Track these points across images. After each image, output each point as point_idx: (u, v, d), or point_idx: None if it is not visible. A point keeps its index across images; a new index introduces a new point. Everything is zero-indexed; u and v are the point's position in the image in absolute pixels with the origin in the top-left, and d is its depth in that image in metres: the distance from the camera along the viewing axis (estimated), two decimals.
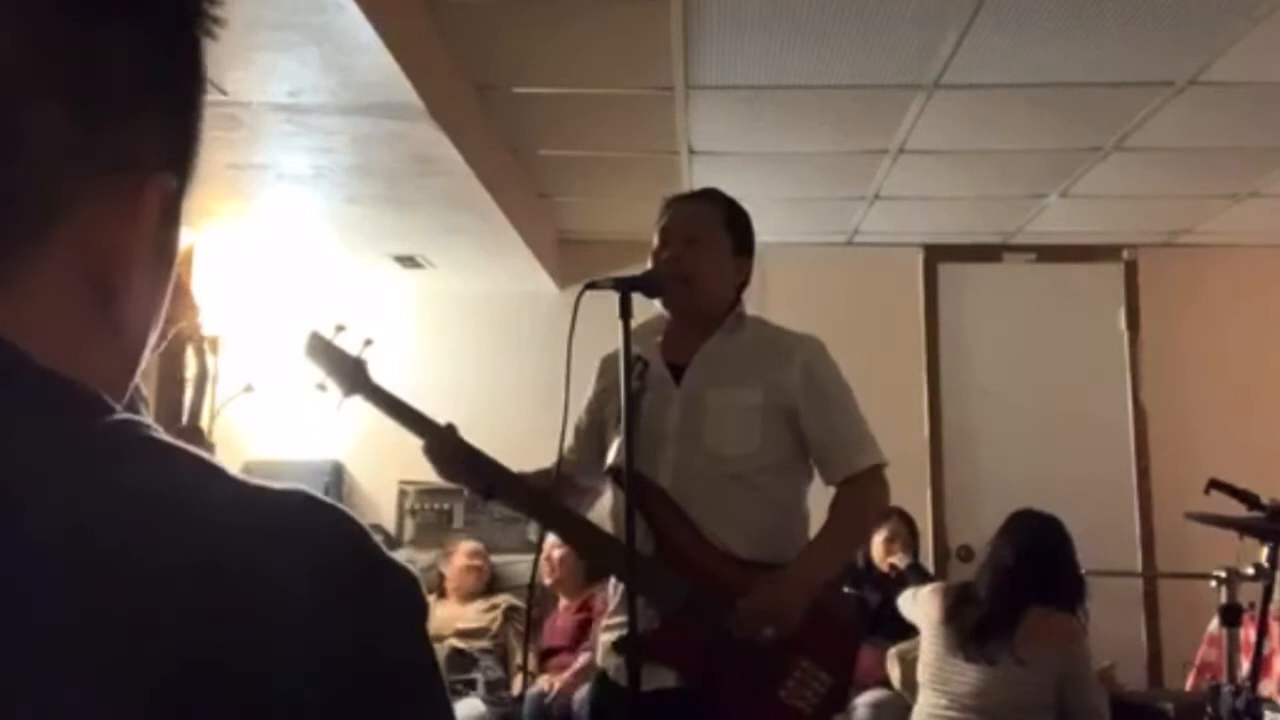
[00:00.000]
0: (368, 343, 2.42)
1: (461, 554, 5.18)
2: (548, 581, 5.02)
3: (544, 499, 2.39)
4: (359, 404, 2.41)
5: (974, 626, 3.25)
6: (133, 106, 0.55)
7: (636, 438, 2.27)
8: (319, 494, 0.54)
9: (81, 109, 0.53)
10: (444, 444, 2.34)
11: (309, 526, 0.52)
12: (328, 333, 2.42)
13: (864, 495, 2.39)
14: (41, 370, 0.51)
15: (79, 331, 0.54)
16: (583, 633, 4.79)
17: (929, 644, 3.38)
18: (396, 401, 2.39)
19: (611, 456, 2.39)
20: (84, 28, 0.53)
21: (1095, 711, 3.21)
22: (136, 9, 0.56)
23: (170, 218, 0.58)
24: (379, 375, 2.43)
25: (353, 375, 2.39)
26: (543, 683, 4.73)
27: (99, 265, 0.54)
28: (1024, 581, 3.26)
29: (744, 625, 2.20)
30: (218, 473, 0.53)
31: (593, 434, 2.49)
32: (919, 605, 3.53)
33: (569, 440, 2.50)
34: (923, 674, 3.40)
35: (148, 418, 0.55)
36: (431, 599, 5.12)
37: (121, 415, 0.53)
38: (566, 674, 4.67)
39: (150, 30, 0.56)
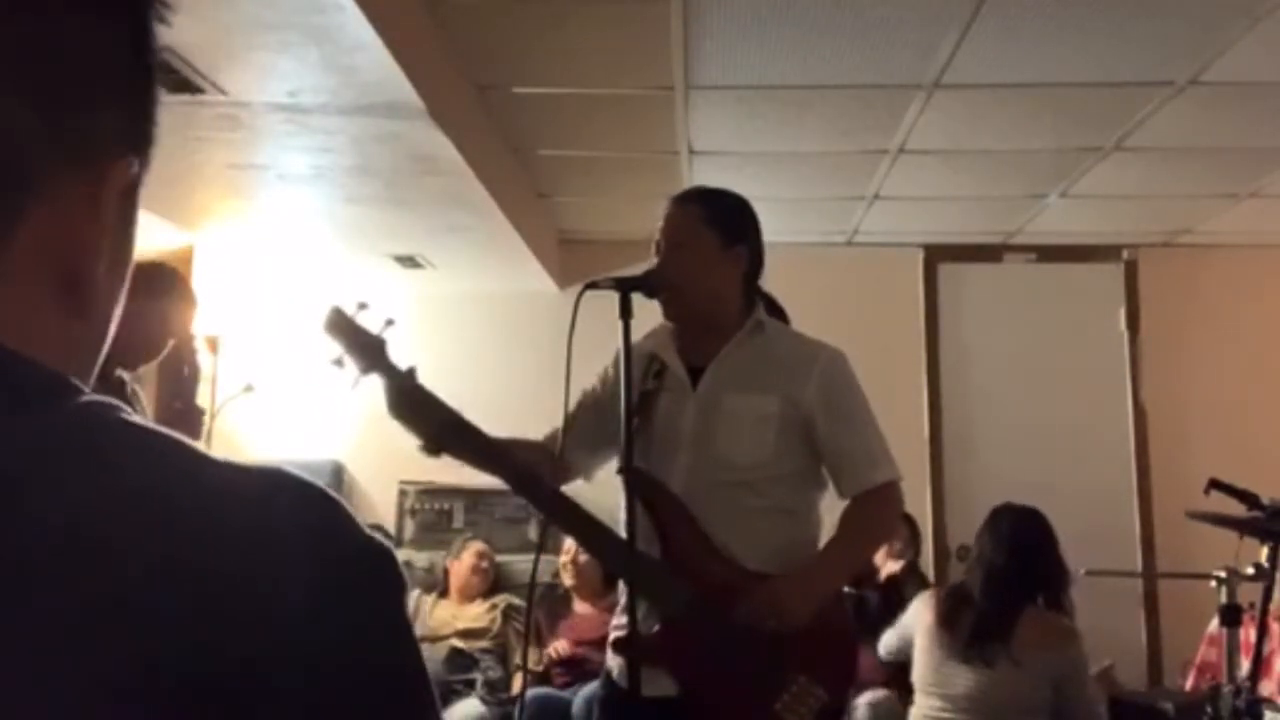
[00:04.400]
0: (389, 323, 2.35)
1: (470, 554, 5.18)
2: (569, 583, 5.02)
3: (516, 465, 2.31)
4: (371, 395, 2.34)
5: (971, 629, 3.25)
6: (95, 97, 0.56)
7: (651, 440, 2.27)
8: (297, 472, 0.54)
9: (46, 102, 0.53)
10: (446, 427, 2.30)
11: (295, 512, 0.53)
12: (349, 309, 2.36)
13: (876, 511, 2.38)
14: (7, 353, 0.51)
15: (47, 319, 0.55)
16: None
17: (925, 648, 3.37)
18: (414, 386, 2.32)
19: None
20: (44, 23, 0.54)
21: (1093, 714, 3.21)
22: (98, 4, 0.56)
23: (130, 201, 0.59)
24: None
25: (372, 354, 2.32)
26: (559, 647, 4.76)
27: (66, 252, 0.55)
28: (1016, 580, 3.26)
29: (747, 617, 2.18)
30: (196, 455, 0.53)
31: (602, 417, 2.38)
32: (913, 618, 3.50)
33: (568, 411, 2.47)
34: (918, 678, 3.39)
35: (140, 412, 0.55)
36: (432, 598, 5.12)
37: (91, 397, 0.53)
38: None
39: (108, 22, 0.57)
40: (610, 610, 4.85)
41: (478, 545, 5.23)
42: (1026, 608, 3.24)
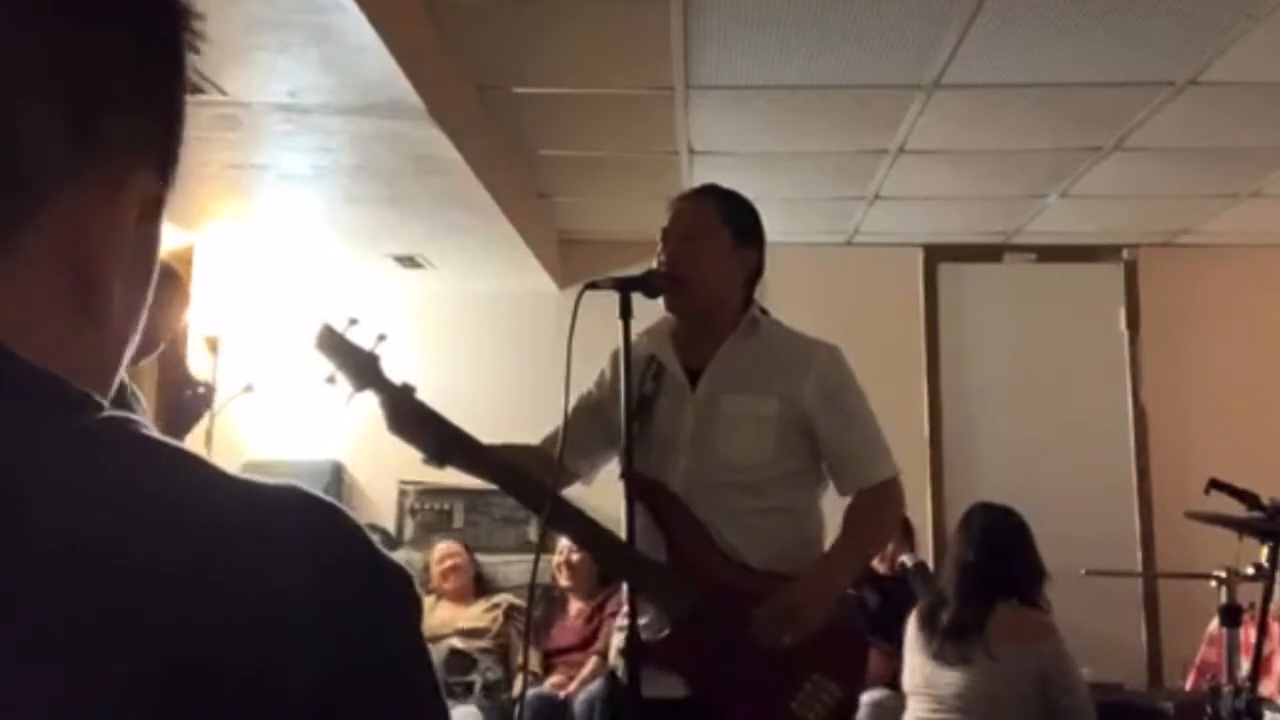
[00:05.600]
0: (381, 338, 2.32)
1: (436, 555, 5.15)
2: (564, 584, 5.00)
3: (516, 473, 2.32)
4: (369, 400, 2.31)
5: (946, 628, 3.25)
6: (121, 106, 0.56)
7: (651, 443, 2.26)
8: (313, 490, 0.54)
9: (72, 107, 0.54)
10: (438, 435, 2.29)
11: (305, 528, 0.53)
12: (340, 325, 2.33)
13: (879, 508, 2.38)
14: (28, 367, 0.51)
15: (62, 323, 0.55)
16: (595, 635, 4.78)
17: (911, 653, 3.38)
18: (411, 403, 2.30)
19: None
20: (78, 29, 0.54)
21: (1083, 711, 3.21)
22: (128, 14, 0.57)
23: (151, 216, 0.59)
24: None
25: (365, 371, 2.29)
26: (550, 685, 4.72)
27: (81, 256, 0.55)
28: (985, 578, 3.26)
29: (763, 631, 2.18)
30: (211, 471, 0.53)
31: (600, 420, 2.40)
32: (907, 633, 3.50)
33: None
34: (908, 682, 3.40)
35: (142, 417, 0.55)
36: (432, 599, 5.11)
37: (110, 412, 0.53)
38: (578, 679, 4.66)
39: (140, 36, 0.57)
40: (598, 608, 4.88)
41: (442, 546, 5.20)
42: (999, 604, 3.23)
